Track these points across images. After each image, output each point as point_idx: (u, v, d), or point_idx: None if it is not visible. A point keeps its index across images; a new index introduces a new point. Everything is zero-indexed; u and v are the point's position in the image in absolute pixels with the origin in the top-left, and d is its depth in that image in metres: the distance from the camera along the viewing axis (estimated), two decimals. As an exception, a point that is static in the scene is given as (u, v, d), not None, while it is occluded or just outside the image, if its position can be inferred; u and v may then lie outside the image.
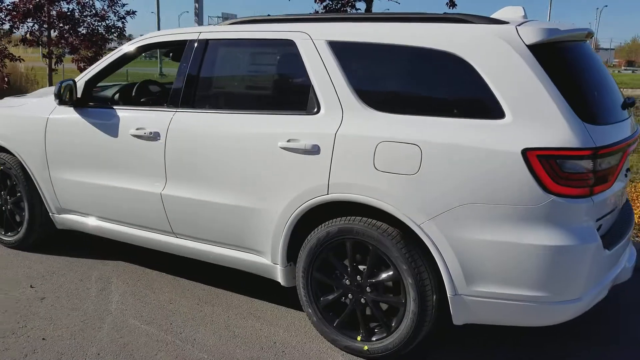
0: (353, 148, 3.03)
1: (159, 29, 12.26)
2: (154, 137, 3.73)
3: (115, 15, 13.65)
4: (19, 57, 13.67)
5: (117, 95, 4.48)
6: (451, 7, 9.48)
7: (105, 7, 13.47)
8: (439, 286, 2.96)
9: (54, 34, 13.11)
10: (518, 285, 2.74)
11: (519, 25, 2.88)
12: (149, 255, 4.55)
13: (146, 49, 4.10)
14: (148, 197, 3.84)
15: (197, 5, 12.48)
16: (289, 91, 3.51)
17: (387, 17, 3.28)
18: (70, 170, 4.20)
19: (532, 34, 2.81)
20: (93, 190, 4.12)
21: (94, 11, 13.40)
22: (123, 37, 14.34)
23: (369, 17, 3.38)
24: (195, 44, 3.72)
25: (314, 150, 3.14)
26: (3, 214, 4.78)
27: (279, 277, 3.47)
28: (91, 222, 4.30)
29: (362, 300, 3.18)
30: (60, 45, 13.10)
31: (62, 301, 3.83)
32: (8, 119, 4.54)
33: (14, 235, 4.73)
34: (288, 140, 3.22)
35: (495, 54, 2.81)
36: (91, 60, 12.65)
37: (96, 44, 13.13)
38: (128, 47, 4.10)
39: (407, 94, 3.08)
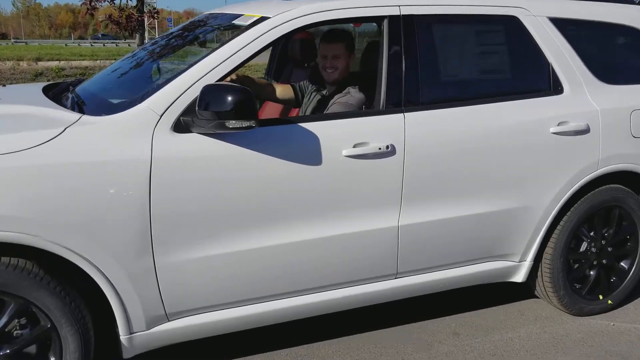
0: (614, 121, 3.22)
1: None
2: (389, 152, 2.69)
3: None
4: None
5: None
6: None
7: None
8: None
9: None
10: None
11: None
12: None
13: (305, 29, 2.69)
14: (371, 237, 2.77)
15: None
16: (525, 72, 3.17)
17: None
18: (204, 243, 2.44)
19: None
20: (247, 260, 2.55)
21: None
22: None
23: None
24: (401, 22, 2.80)
25: (586, 129, 3.12)
26: None
27: (522, 274, 3.27)
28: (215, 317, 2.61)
29: (604, 262, 3.43)
30: None
31: None
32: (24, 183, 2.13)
33: None
34: (558, 124, 3.06)
35: None
36: None
37: None
38: (278, 30, 2.57)
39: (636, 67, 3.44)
